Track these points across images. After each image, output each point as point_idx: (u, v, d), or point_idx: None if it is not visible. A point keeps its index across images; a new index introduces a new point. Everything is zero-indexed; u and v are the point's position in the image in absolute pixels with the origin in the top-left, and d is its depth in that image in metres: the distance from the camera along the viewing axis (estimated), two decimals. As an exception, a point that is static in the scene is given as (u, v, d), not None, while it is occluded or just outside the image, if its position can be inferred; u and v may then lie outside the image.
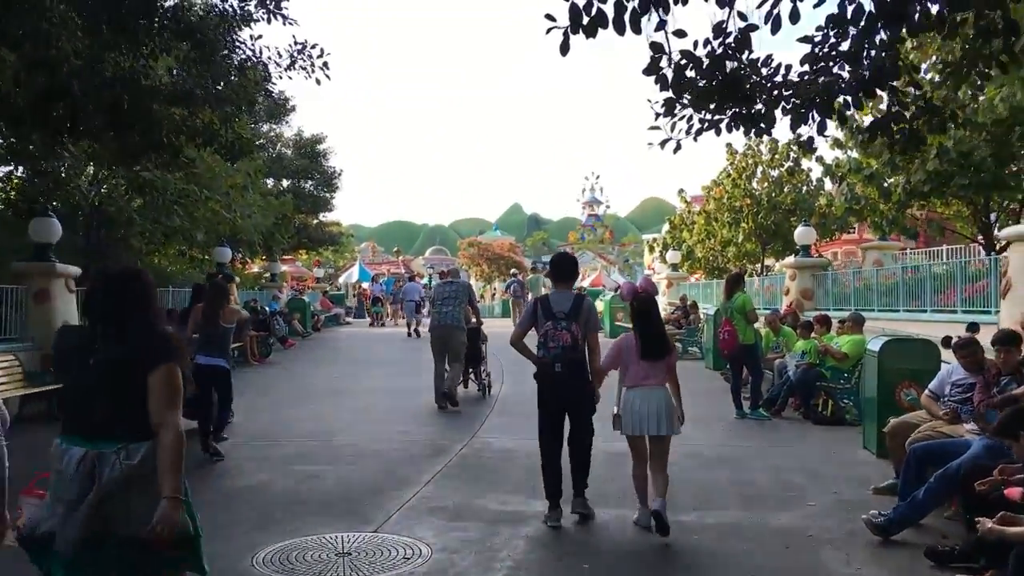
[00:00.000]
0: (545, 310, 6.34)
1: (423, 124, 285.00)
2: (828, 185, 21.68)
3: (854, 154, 16.64)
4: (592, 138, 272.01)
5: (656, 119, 6.21)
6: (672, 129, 6.35)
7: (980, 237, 16.13)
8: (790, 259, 18.61)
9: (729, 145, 24.93)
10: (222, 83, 10.99)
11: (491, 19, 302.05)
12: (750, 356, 11.08)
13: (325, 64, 11.15)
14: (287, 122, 28.18)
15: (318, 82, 11.21)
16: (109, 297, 3.17)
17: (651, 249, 31.55)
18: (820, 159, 17.43)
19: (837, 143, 17.24)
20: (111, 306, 3.15)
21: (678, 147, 6.35)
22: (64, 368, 3.58)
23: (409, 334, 23.06)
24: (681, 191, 26.67)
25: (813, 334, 11.50)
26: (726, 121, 6.53)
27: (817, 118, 5.87)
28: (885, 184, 15.60)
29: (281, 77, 11.16)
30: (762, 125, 6.54)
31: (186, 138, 11.41)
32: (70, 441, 3.01)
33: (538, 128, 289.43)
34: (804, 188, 23.54)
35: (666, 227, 33.06)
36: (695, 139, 6.65)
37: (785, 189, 23.54)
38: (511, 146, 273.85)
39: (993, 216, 16.05)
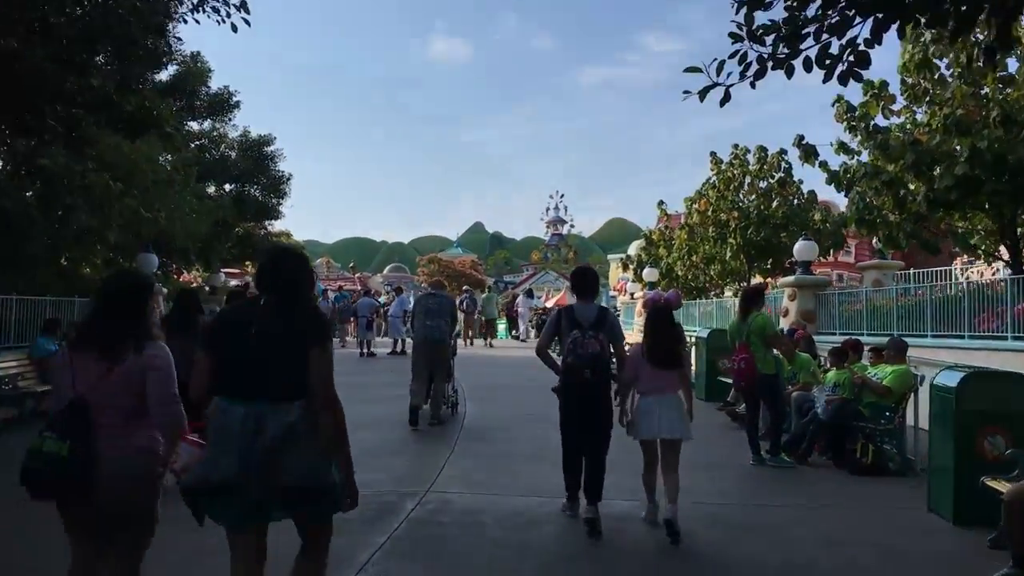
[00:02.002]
0: (570, 320, 6.47)
1: (382, 143, 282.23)
2: (822, 197, 19.90)
3: (863, 158, 14.75)
4: (556, 157, 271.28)
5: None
6: (718, 73, 4.80)
7: (1005, 254, 14.20)
8: (789, 277, 16.67)
9: (713, 154, 23.01)
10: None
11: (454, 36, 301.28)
12: (771, 389, 8.99)
13: (243, 5, 8.88)
14: (231, 120, 25.75)
15: (234, 28, 8.96)
16: (277, 274, 3.55)
17: (625, 267, 29.43)
18: (824, 164, 15.46)
19: (844, 147, 15.34)
20: (279, 282, 3.54)
21: (726, 97, 4.96)
22: (216, 341, 3.52)
23: (361, 353, 21.25)
24: (661, 203, 24.64)
25: (846, 363, 9.46)
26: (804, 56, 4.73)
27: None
28: (901, 193, 13.70)
29: (186, 20, 8.84)
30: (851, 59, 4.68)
31: (78, 107, 9.08)
32: (231, 401, 3.38)
33: (501, 147, 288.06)
34: (795, 201, 21.64)
35: (636, 244, 31.17)
36: (753, 83, 4.89)
37: (775, 202, 21.62)
38: (473, 165, 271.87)
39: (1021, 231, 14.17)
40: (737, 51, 4.73)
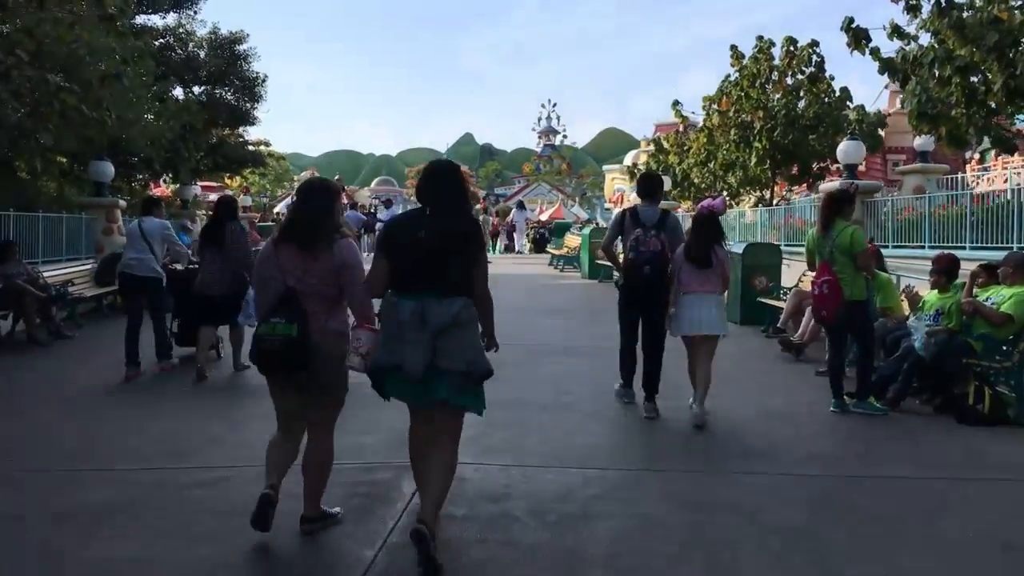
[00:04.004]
0: (634, 220, 6.91)
1: (369, 49, 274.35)
2: (860, 99, 17.75)
3: (923, 42, 12.63)
4: (548, 65, 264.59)
5: None
6: None
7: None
8: (833, 182, 14.70)
9: (734, 47, 20.59)
10: None
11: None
12: (861, 319, 7.12)
13: None
14: (196, 15, 23.13)
15: None
16: (439, 183, 4.00)
17: (632, 176, 27.31)
18: (876, 51, 13.30)
19: (898, 32, 13.18)
20: (440, 190, 3.98)
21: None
22: (389, 245, 4.00)
23: None
24: (676, 103, 22.26)
25: (975, 288, 7.53)
26: None
27: None
28: (974, 81, 11.68)
29: None
30: None
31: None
32: (401, 296, 3.85)
33: (491, 54, 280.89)
34: (826, 100, 19.40)
35: (632, 154, 29.07)
36: None
37: (802, 102, 19.41)
38: (462, 73, 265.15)
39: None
40: None
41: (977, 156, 29.46)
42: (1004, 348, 7.00)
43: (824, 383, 7.68)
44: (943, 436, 6.52)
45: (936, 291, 7.55)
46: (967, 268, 7.92)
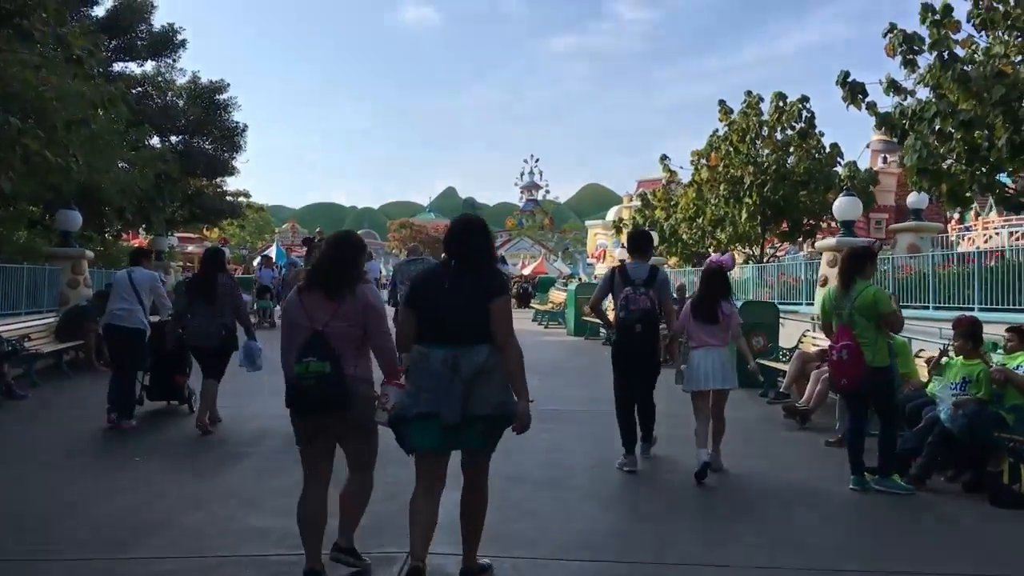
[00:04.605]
0: (624, 278, 7.03)
1: (353, 109, 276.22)
2: (862, 152, 17.39)
3: (922, 94, 12.29)
4: (529, 124, 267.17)
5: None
6: None
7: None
8: (829, 240, 14.22)
9: (723, 103, 20.34)
10: None
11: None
12: (884, 388, 6.51)
13: None
14: (175, 63, 22.66)
15: None
16: (465, 236, 4.16)
17: (618, 230, 26.85)
18: (872, 106, 12.96)
19: (894, 86, 12.86)
20: (466, 243, 4.13)
21: None
22: (417, 298, 4.17)
23: None
24: (664, 157, 21.88)
25: (999, 352, 6.99)
26: None
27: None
28: (977, 136, 11.28)
29: None
30: None
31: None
32: (430, 346, 3.98)
33: (474, 111, 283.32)
34: (816, 155, 19.07)
35: (615, 209, 28.69)
36: None
37: (792, 158, 19.06)
38: (446, 129, 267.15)
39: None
40: None
41: (957, 216, 29.29)
42: (1039, 421, 6.40)
43: (838, 455, 7.10)
44: (984, 522, 5.85)
45: (961, 357, 6.95)
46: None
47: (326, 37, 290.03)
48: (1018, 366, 6.71)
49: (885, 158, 35.23)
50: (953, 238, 24.88)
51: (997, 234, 27.05)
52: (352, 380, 4.13)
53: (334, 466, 4.37)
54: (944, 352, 7.37)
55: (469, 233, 4.17)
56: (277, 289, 19.84)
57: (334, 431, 4.23)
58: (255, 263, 40.13)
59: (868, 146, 34.83)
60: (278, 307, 15.50)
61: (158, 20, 22.40)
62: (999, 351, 7.39)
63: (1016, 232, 26.63)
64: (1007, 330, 7.23)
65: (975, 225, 28.05)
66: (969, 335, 6.95)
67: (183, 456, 7.41)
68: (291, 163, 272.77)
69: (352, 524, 4.35)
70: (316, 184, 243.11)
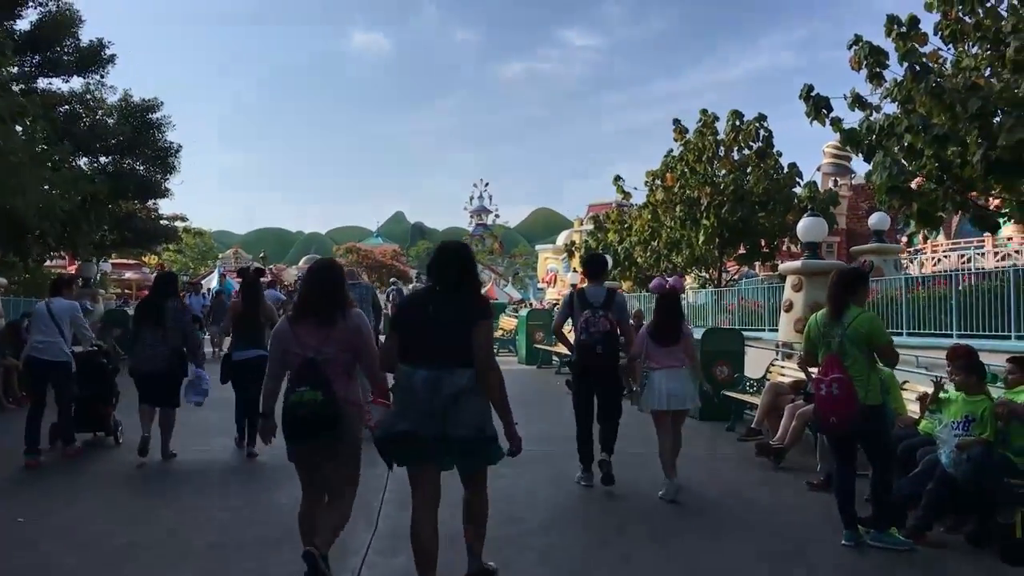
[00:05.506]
0: (582, 301, 7.30)
1: (300, 134, 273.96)
2: (813, 175, 16.87)
3: (889, 109, 11.73)
4: (479, 149, 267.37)
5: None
6: None
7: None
8: (794, 263, 13.56)
9: (677, 122, 19.75)
10: None
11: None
12: (878, 429, 5.75)
13: None
14: (103, 79, 21.40)
15: None
16: (450, 265, 4.25)
17: (570, 254, 26.10)
18: (836, 121, 12.37)
19: (859, 101, 12.30)
20: (453, 273, 4.23)
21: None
22: (402, 321, 4.36)
23: None
24: (618, 178, 21.17)
25: (999, 386, 6.25)
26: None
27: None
28: (950, 153, 10.70)
29: None
30: None
31: None
32: (413, 367, 4.09)
33: (424, 136, 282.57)
34: (775, 176, 18.50)
35: (565, 234, 28.03)
36: None
37: (749, 178, 18.44)
38: (395, 154, 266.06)
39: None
40: None
41: (905, 239, 29.15)
42: (1051, 464, 5.68)
43: (823, 501, 6.38)
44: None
45: (963, 392, 6.21)
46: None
47: (273, 62, 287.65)
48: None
49: (836, 181, 35.03)
50: (904, 261, 24.61)
51: (946, 257, 26.94)
52: (343, 403, 4.29)
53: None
54: (939, 386, 6.63)
55: (453, 259, 4.29)
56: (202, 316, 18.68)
57: (322, 453, 4.37)
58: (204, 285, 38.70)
59: (819, 169, 34.66)
60: (206, 335, 14.41)
61: (87, 35, 21.26)
62: (999, 384, 6.67)
63: (965, 255, 26.57)
64: (1008, 360, 6.50)
65: (923, 248, 27.90)
66: (970, 368, 6.22)
67: (123, 487, 7.26)
68: (238, 188, 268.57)
69: (328, 542, 4.41)
70: (263, 209, 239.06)
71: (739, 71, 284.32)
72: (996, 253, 25.64)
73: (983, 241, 26.19)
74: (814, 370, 6.04)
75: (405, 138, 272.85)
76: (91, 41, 20.91)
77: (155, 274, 9.21)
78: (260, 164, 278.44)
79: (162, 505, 6.58)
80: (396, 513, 5.75)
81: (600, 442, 7.27)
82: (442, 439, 4.01)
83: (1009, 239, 24.84)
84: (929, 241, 27.18)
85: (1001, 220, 12.10)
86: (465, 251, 4.41)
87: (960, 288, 10.52)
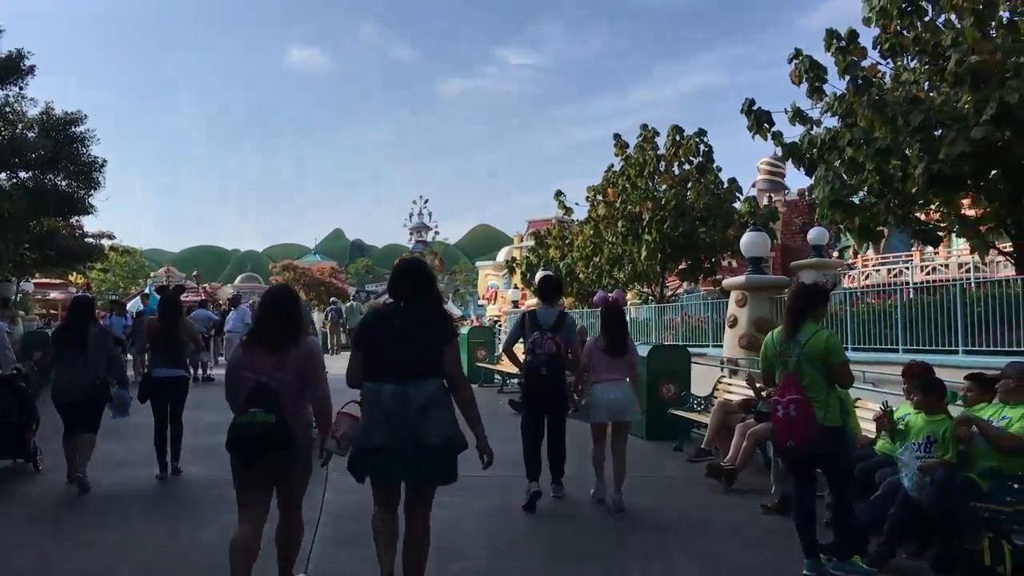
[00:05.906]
0: (532, 323, 7.37)
1: (235, 146, 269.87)
2: (748, 191, 16.82)
3: (829, 123, 11.68)
4: (418, 166, 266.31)
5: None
6: None
7: (1010, 247, 11.24)
8: (738, 278, 13.42)
9: (618, 136, 19.64)
10: None
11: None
12: (837, 452, 5.48)
13: None
14: (23, 89, 20.45)
15: None
16: (411, 279, 4.43)
17: (511, 270, 25.79)
18: (778, 136, 12.29)
19: (800, 115, 12.24)
20: (414, 289, 4.38)
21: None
22: (367, 337, 4.44)
23: (195, 378, 15.95)
24: (560, 193, 20.92)
25: (958, 404, 6.05)
26: None
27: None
28: (891, 167, 10.65)
29: None
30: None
31: None
32: (380, 382, 4.20)
33: (362, 153, 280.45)
34: (716, 191, 18.44)
35: (506, 250, 27.76)
36: None
37: (690, 193, 18.36)
38: (333, 171, 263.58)
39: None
40: None
41: (836, 254, 29.54)
42: (1015, 486, 5.48)
43: (780, 526, 6.17)
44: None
45: (922, 412, 5.99)
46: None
47: (206, 76, 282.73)
48: (989, 417, 5.78)
49: (770, 197, 35.48)
50: (837, 277, 24.86)
51: (876, 271, 27.33)
52: (295, 426, 4.34)
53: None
54: (888, 413, 6.33)
55: (413, 275, 4.46)
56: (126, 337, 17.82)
57: (273, 474, 4.39)
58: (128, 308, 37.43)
59: (754, 185, 35.06)
60: (129, 357, 13.66)
61: (5, 45, 20.26)
62: (958, 402, 6.48)
63: (894, 269, 26.99)
64: (967, 377, 6.33)
65: (855, 262, 28.28)
66: (928, 386, 6.01)
67: (46, 520, 6.81)
68: (171, 205, 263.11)
69: (289, 563, 4.63)
70: (197, 227, 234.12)
71: (675, 89, 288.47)
72: (923, 268, 26.12)
73: (911, 256, 26.67)
74: (768, 389, 5.80)
75: (344, 155, 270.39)
76: (9, 52, 19.96)
77: (72, 298, 9.30)
78: (194, 181, 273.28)
79: (94, 534, 6.24)
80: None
81: (550, 469, 7.38)
82: (415, 447, 4.09)
83: (936, 253, 25.28)
84: (859, 256, 27.55)
85: (954, 235, 12.11)
86: (424, 267, 4.63)
87: (905, 301, 10.43)
